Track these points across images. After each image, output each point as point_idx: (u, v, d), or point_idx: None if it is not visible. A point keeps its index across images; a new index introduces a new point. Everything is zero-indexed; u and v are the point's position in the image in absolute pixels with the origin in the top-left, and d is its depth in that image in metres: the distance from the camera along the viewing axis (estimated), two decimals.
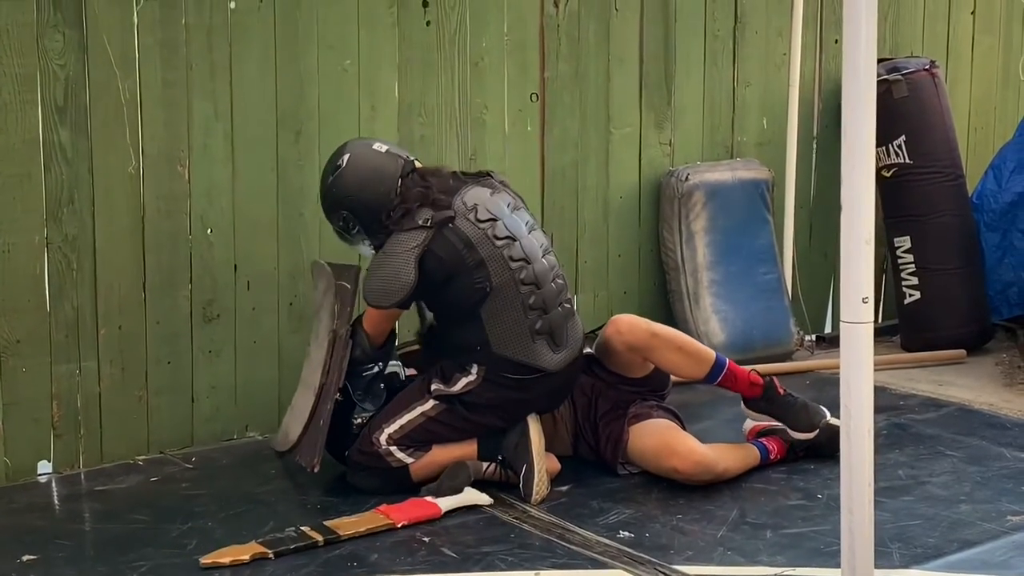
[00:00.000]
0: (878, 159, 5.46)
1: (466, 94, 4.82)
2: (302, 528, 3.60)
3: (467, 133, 4.83)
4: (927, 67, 5.52)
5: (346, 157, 4.01)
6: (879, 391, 4.81)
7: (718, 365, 4.15)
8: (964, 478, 4.04)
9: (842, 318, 2.35)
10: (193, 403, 4.39)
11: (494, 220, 3.92)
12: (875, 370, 4.74)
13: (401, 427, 3.93)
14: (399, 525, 3.65)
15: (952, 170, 5.50)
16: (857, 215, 2.29)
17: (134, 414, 4.28)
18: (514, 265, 3.90)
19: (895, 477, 4.03)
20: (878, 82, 5.21)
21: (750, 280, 5.34)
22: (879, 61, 5.46)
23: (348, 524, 3.64)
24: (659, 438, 4.00)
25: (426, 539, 3.59)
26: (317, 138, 4.52)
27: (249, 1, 4.34)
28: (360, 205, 3.96)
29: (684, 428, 4.11)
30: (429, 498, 3.79)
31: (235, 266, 4.42)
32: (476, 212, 3.91)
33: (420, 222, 3.86)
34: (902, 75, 5.43)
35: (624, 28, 5.15)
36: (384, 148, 4.05)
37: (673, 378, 4.29)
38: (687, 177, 5.21)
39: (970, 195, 5.64)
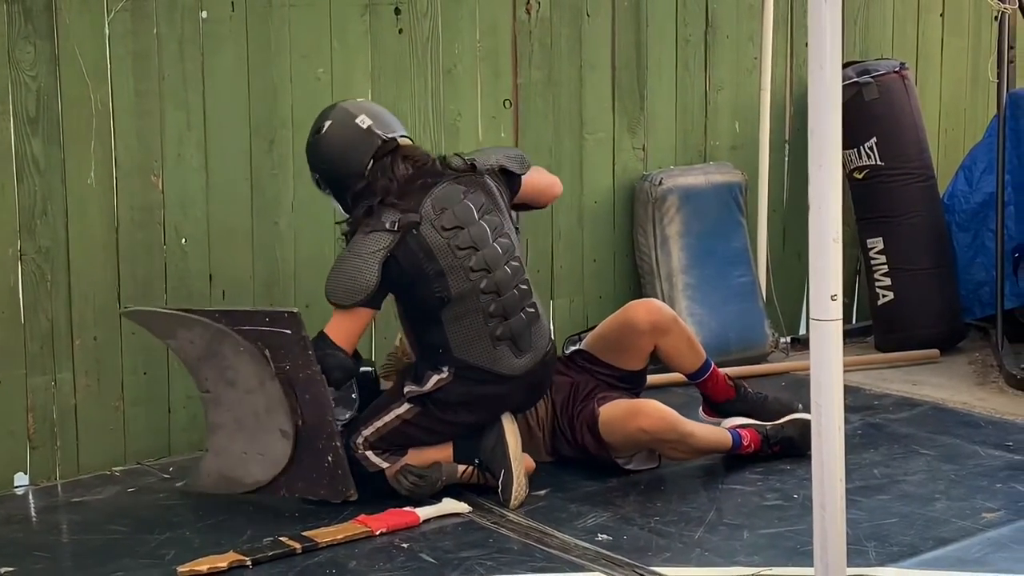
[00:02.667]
0: (850, 161, 5.50)
1: (439, 101, 4.83)
2: (280, 537, 3.60)
3: (441, 140, 4.84)
4: (897, 69, 5.56)
5: (327, 124, 4.00)
6: (853, 391, 4.88)
7: (707, 363, 4.30)
8: (939, 476, 4.07)
9: (812, 315, 2.37)
10: (170, 413, 4.38)
11: (459, 228, 3.90)
12: (849, 371, 4.83)
13: (376, 430, 3.93)
14: (377, 533, 3.66)
15: (923, 171, 5.54)
16: (824, 214, 2.31)
17: (110, 425, 4.27)
18: (474, 276, 3.90)
19: (870, 476, 4.05)
20: (848, 85, 5.34)
21: (725, 283, 5.36)
22: (850, 64, 5.52)
23: (326, 533, 3.64)
24: (627, 405, 4.08)
25: (404, 545, 3.60)
26: (291, 147, 4.52)
27: (221, 10, 4.35)
28: (330, 175, 4.00)
29: None
30: (408, 508, 3.80)
31: (210, 276, 4.42)
32: (442, 218, 3.90)
33: (387, 225, 3.85)
34: (872, 77, 5.47)
35: (596, 34, 5.17)
36: (367, 124, 3.98)
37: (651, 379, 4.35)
38: (661, 182, 5.24)
39: (941, 196, 5.68)
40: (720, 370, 4.36)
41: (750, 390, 4.36)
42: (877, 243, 5.53)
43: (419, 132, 4.79)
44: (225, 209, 4.43)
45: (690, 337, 4.28)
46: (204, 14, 4.32)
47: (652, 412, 4.00)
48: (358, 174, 3.93)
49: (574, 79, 5.13)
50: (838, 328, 2.38)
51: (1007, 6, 5.37)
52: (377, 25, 4.68)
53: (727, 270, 5.38)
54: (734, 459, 4.17)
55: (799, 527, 3.62)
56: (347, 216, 4.02)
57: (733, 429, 4.19)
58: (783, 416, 4.26)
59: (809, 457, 2.57)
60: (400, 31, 4.73)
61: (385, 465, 3.92)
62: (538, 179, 4.28)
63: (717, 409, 4.35)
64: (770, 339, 5.43)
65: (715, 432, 4.16)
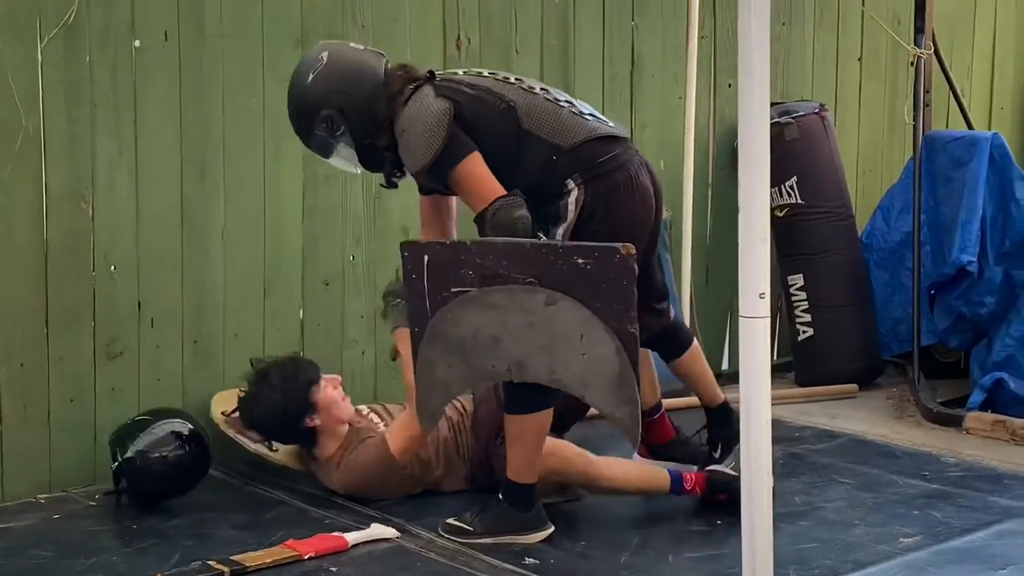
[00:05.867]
0: (771, 199, 5.62)
1: None
2: (208, 561, 3.59)
3: (370, 173, 4.88)
4: (817, 111, 5.71)
5: (325, 54, 3.87)
6: (775, 424, 4.84)
7: (660, 404, 4.33)
8: (858, 503, 4.16)
9: (740, 313, 2.45)
10: (96, 441, 4.35)
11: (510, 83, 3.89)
12: (771, 404, 4.92)
13: None
14: (306, 557, 3.66)
15: (842, 210, 5.68)
16: (753, 216, 2.40)
17: (36, 452, 4.24)
18: (522, 84, 3.88)
19: (791, 503, 4.13)
20: (770, 124, 5.46)
21: None
22: (771, 105, 5.65)
23: (254, 557, 3.64)
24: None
25: (333, 569, 3.61)
26: (222, 176, 4.55)
27: (153, 39, 4.37)
28: (349, 101, 3.80)
29: None
30: (337, 533, 3.81)
31: (139, 303, 4.41)
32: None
33: (428, 91, 3.78)
34: (793, 118, 5.60)
35: (524, 70, 5.23)
36: (361, 46, 3.98)
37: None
38: None
39: (860, 235, 5.82)
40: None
41: (688, 436, 4.36)
42: (797, 280, 5.65)
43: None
44: (155, 236, 4.43)
45: (652, 374, 4.25)
46: (137, 43, 4.34)
47: (560, 454, 3.95)
48: (379, 87, 3.79)
49: None
50: (766, 325, 2.46)
51: (923, 52, 5.54)
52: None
53: None
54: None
55: (723, 551, 3.69)
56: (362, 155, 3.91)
57: (673, 469, 4.13)
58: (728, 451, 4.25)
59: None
60: None
61: None
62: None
63: (654, 450, 4.32)
64: None
65: (646, 472, 4.11)
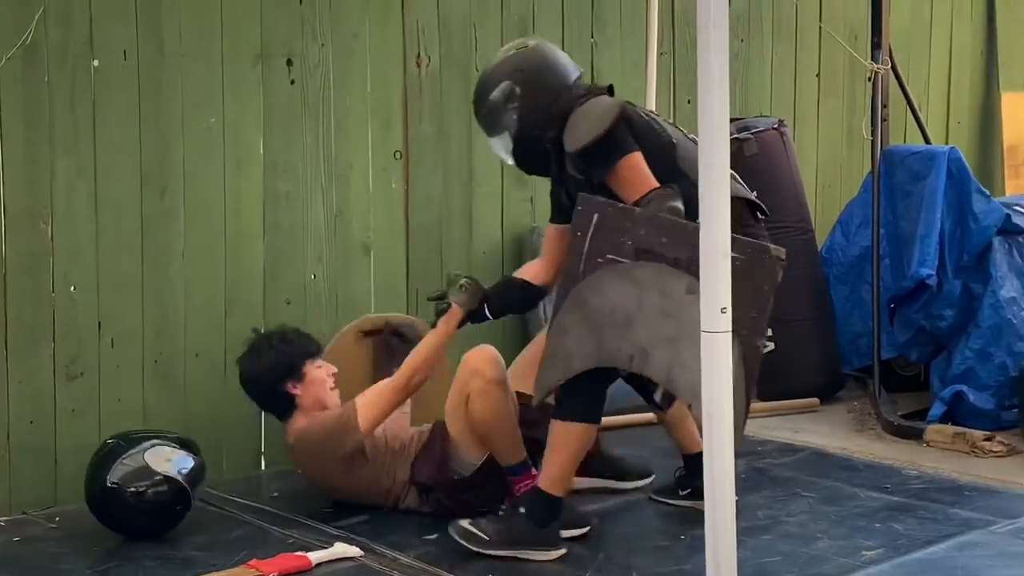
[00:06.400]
0: None
1: (330, 152, 4.88)
2: None
3: (332, 190, 4.89)
4: (776, 126, 5.74)
5: (532, 42, 4.02)
6: None
7: None
8: (820, 517, 4.18)
9: (702, 328, 2.46)
10: (56, 463, 4.32)
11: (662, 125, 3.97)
12: None
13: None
14: None
15: (802, 225, 5.71)
16: (714, 231, 2.41)
17: None
18: (683, 130, 3.99)
19: (754, 518, 4.14)
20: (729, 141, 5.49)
21: None
22: (730, 121, 5.68)
23: None
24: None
25: None
26: (182, 195, 4.53)
27: (112, 59, 4.35)
28: (532, 85, 3.89)
29: None
30: (300, 552, 3.79)
31: (99, 323, 4.39)
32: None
33: (606, 97, 3.88)
34: (752, 134, 5.63)
35: None
36: (565, 53, 4.08)
37: None
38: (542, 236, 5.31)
39: (820, 249, 5.86)
40: None
41: (608, 451, 4.43)
42: None
43: (310, 182, 4.84)
44: (115, 256, 4.41)
45: None
46: (96, 62, 4.32)
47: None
48: (564, 85, 3.90)
49: (464, 132, 5.22)
50: (727, 339, 2.47)
51: (880, 67, 5.59)
52: (269, 76, 4.72)
53: None
54: (631, 504, 4.27)
55: (685, 566, 3.70)
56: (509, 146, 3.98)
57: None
58: (642, 478, 4.40)
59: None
60: (292, 82, 4.78)
61: None
62: None
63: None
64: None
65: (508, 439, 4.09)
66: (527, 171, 4.19)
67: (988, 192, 5.54)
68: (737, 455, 4.69)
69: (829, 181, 6.41)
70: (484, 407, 4.00)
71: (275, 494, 4.46)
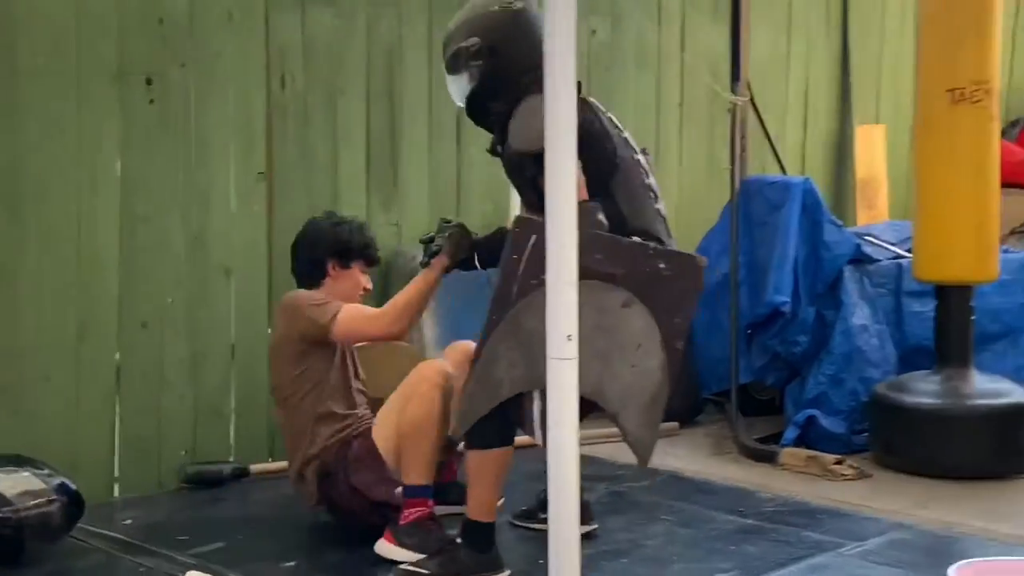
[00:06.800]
0: None
1: (191, 173, 4.81)
2: None
3: (191, 212, 4.82)
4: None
5: (522, 4, 3.87)
6: (598, 463, 5.02)
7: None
8: (677, 540, 4.23)
9: (548, 355, 2.47)
10: None
11: (615, 126, 3.95)
12: (594, 443, 4.98)
13: None
14: None
15: None
16: (560, 259, 2.43)
17: None
18: (635, 150, 3.94)
19: (613, 541, 4.18)
20: None
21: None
22: None
23: None
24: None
25: None
26: (35, 216, 4.43)
27: None
28: (505, 51, 3.81)
29: None
30: None
31: None
32: (608, 114, 3.94)
33: None
34: None
35: (350, 109, 5.25)
36: None
37: None
38: (414, 257, 5.31)
39: None
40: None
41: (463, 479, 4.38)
42: None
43: (169, 204, 4.76)
44: None
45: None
46: None
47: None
48: (533, 65, 3.47)
49: (328, 154, 5.19)
50: (574, 366, 2.48)
51: (739, 99, 5.71)
52: (127, 94, 4.64)
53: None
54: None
55: None
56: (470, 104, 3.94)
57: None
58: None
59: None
60: (151, 102, 4.70)
61: None
62: None
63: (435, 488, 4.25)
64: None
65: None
66: (474, 122, 4.15)
67: (840, 222, 5.70)
68: (598, 479, 4.80)
69: (690, 210, 6.51)
70: (421, 410, 3.94)
71: (128, 521, 4.37)
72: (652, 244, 3.70)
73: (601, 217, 3.67)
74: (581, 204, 3.60)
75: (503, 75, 3.85)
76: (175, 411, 4.80)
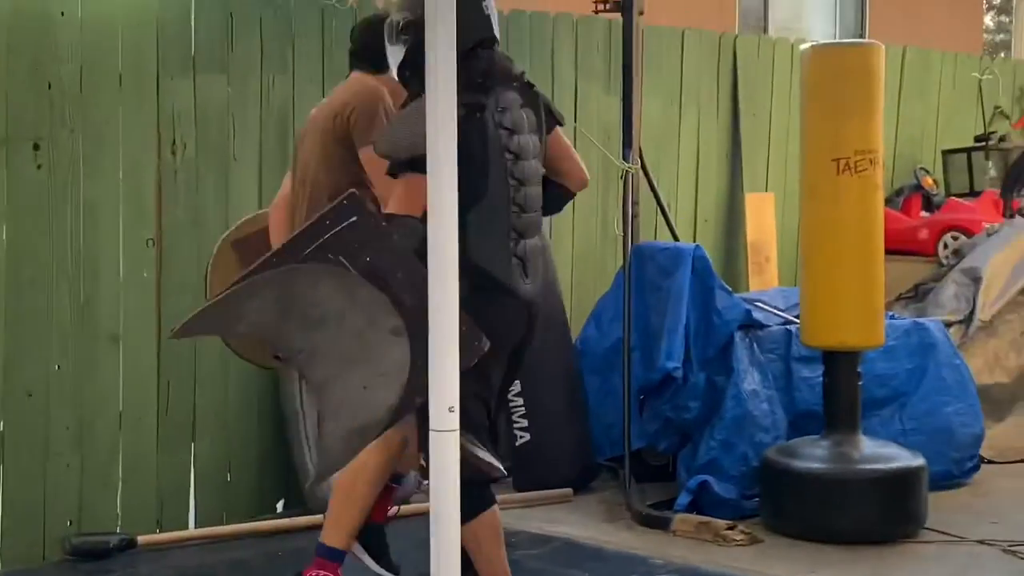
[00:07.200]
0: None
1: (79, 239, 4.75)
2: None
3: (79, 278, 4.75)
4: None
5: None
6: None
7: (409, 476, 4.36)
8: None
9: (431, 427, 2.46)
10: None
11: (512, 132, 3.77)
12: None
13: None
14: None
15: (556, 317, 5.82)
16: (442, 328, 2.42)
17: None
18: (512, 182, 3.77)
19: None
20: None
21: None
22: None
23: None
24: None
25: None
26: None
27: None
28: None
29: None
30: None
31: None
32: (503, 116, 3.76)
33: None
34: None
35: (242, 176, 5.23)
36: (489, 10, 3.81)
37: None
38: None
39: (574, 342, 5.98)
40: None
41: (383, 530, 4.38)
42: (514, 386, 5.74)
43: (55, 270, 4.69)
44: None
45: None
46: None
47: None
48: (461, 52, 3.36)
49: (219, 220, 5.15)
50: (455, 438, 2.47)
51: (631, 166, 5.79)
52: (14, 159, 4.58)
53: None
54: None
55: None
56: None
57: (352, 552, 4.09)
58: (390, 571, 4.29)
59: None
60: (39, 167, 4.64)
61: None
62: (567, 144, 4.06)
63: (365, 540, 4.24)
64: (414, 482, 5.50)
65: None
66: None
67: (730, 288, 5.78)
68: None
69: (583, 275, 6.57)
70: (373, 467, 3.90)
71: None
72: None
73: (417, 241, 3.56)
74: (410, 220, 3.64)
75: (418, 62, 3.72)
76: (61, 480, 4.71)
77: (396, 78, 3.92)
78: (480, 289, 3.62)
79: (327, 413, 3.49)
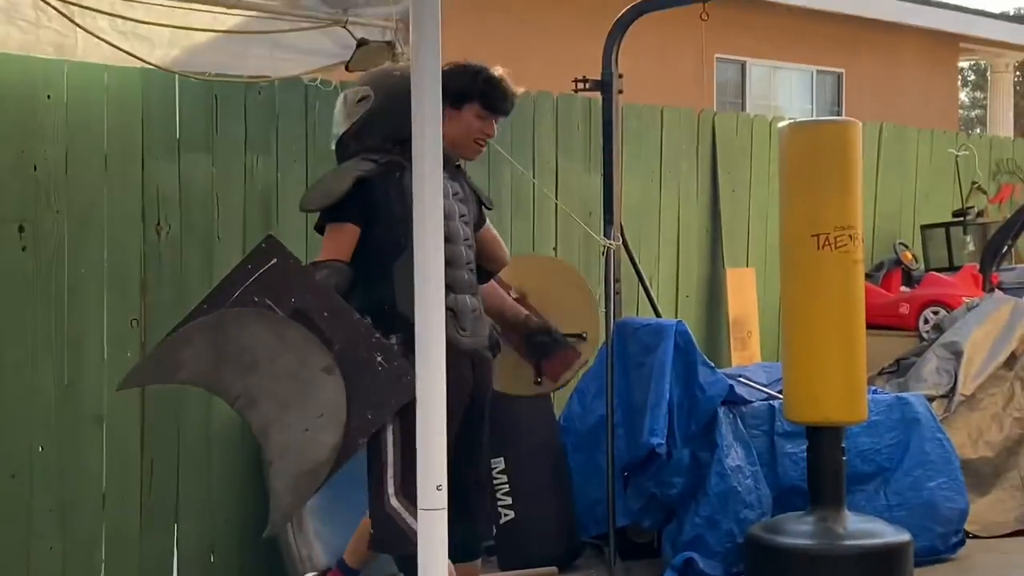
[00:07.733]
0: None
1: (63, 319, 4.75)
2: None
3: (63, 359, 4.75)
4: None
5: (404, 74, 3.90)
6: None
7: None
8: None
9: (420, 506, 2.46)
10: None
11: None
12: None
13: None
14: None
15: (539, 394, 5.82)
16: (430, 410, 2.44)
17: None
18: (451, 232, 3.93)
19: None
20: None
21: (356, 502, 5.39)
22: None
23: None
24: None
25: None
26: None
27: None
28: (386, 109, 3.96)
29: None
30: None
31: None
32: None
33: (376, 158, 3.91)
34: None
35: (227, 255, 5.22)
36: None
37: None
38: None
39: (558, 418, 5.98)
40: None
41: None
42: (499, 463, 5.74)
43: (41, 351, 4.69)
44: None
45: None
46: None
47: None
48: (399, 134, 3.76)
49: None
50: (443, 517, 2.48)
51: (612, 243, 5.83)
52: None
53: (354, 491, 5.42)
54: None
55: None
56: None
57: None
58: None
59: None
60: (24, 249, 4.65)
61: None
62: (494, 233, 4.38)
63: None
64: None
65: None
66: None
67: (713, 364, 5.79)
68: None
69: None
70: None
71: None
72: (379, 336, 3.71)
73: (339, 283, 3.82)
74: (336, 262, 3.84)
75: (379, 130, 4.01)
76: (43, 562, 4.67)
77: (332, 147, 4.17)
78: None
79: (273, 456, 3.56)
